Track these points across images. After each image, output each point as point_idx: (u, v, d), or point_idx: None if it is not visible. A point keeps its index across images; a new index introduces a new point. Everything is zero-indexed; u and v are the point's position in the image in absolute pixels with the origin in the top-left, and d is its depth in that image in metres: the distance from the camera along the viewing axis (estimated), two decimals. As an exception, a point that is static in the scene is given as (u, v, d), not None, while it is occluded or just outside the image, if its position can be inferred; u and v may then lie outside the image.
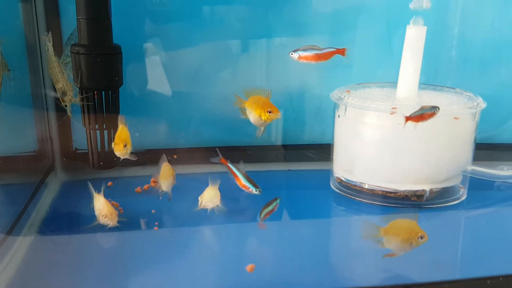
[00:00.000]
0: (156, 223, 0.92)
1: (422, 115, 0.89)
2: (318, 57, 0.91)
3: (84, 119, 0.98)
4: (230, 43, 1.21)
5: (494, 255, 0.86)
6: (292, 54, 0.91)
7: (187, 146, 1.25)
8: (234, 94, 0.96)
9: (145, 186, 1.08)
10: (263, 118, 0.91)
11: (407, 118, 0.88)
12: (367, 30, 1.21)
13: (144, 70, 1.18)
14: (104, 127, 0.98)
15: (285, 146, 1.28)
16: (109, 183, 1.08)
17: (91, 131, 0.98)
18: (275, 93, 1.02)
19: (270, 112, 0.91)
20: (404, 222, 0.72)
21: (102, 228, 0.89)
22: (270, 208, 0.92)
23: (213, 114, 1.24)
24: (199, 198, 0.94)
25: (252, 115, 0.93)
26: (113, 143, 0.88)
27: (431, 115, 0.89)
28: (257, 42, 1.21)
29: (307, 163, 1.26)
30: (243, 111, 0.95)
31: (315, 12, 1.20)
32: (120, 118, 0.90)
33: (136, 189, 1.07)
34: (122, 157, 0.89)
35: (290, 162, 1.27)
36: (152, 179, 1.10)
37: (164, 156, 0.96)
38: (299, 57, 0.91)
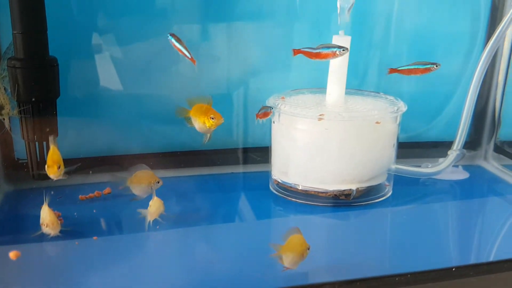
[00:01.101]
0: (95, 237, 0.94)
1: (415, 69, 1.01)
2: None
3: (23, 132, 1.00)
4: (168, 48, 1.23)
5: (413, 250, 0.93)
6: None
7: (135, 152, 1.27)
8: (177, 106, 1.00)
9: (96, 193, 1.11)
10: (207, 125, 0.96)
11: (391, 70, 1.01)
12: (303, 38, 1.27)
13: (88, 71, 1.18)
14: (42, 138, 1.00)
15: (228, 150, 1.32)
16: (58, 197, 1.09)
17: (29, 143, 1.00)
18: (218, 99, 1.07)
19: (213, 118, 0.95)
20: (294, 238, 0.78)
21: (45, 237, 0.91)
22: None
23: (156, 118, 1.27)
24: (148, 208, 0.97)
25: (197, 123, 0.97)
26: (46, 166, 0.89)
27: (425, 70, 1.02)
28: (196, 49, 1.25)
29: (250, 165, 1.32)
30: (188, 120, 1.00)
31: (252, 22, 1.25)
32: (51, 139, 0.92)
33: (80, 197, 1.10)
34: (55, 178, 0.91)
35: (233, 165, 1.32)
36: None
37: (144, 165, 0.99)
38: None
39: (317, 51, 0.99)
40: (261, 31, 1.26)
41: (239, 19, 1.24)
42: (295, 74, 1.29)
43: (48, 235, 0.91)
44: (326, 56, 0.99)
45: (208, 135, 1.00)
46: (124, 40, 1.19)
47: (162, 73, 1.24)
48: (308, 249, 0.78)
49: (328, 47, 0.98)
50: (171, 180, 1.24)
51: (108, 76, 1.20)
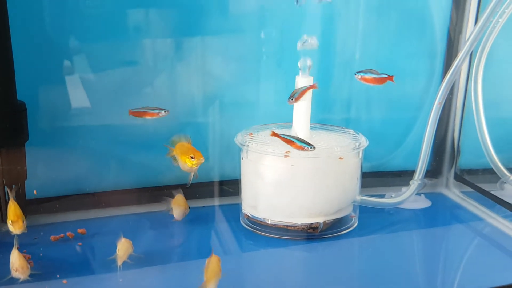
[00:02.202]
0: (65, 281, 0.94)
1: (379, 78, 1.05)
2: (375, 81, 1.04)
3: (-9, 177, 1.01)
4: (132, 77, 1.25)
5: (380, 282, 0.97)
6: (356, 75, 1.04)
7: (106, 189, 1.27)
8: (164, 145, 1.03)
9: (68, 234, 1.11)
10: (189, 165, 0.98)
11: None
12: (269, 76, 1.32)
13: (57, 105, 1.18)
14: (11, 182, 1.01)
15: (201, 184, 1.34)
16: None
17: (-2, 187, 1.01)
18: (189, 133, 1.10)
19: (193, 158, 0.98)
20: (211, 265, 0.84)
21: (15, 281, 0.91)
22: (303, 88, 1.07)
23: (127, 153, 1.28)
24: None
25: (180, 163, 1.00)
26: (10, 221, 0.90)
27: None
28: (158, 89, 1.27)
29: (222, 198, 1.33)
30: (175, 159, 1.02)
31: (222, 60, 1.29)
32: (11, 193, 0.93)
33: (51, 237, 1.09)
34: (19, 233, 0.91)
35: (207, 198, 1.33)
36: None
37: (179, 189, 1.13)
38: (362, 78, 1.04)
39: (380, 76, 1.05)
40: (229, 68, 1.30)
41: (210, 57, 1.28)
42: (262, 110, 1.33)
43: (18, 279, 0.91)
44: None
45: (192, 173, 1.02)
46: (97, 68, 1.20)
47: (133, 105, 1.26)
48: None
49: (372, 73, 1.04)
50: (142, 216, 1.24)
51: (78, 108, 1.21)
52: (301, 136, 1.13)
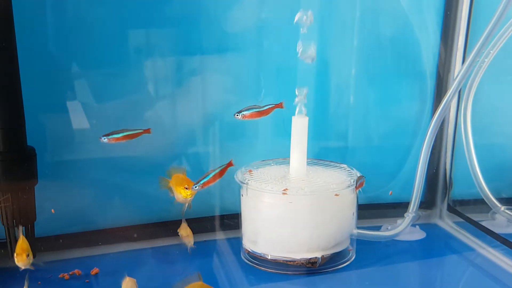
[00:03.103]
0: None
1: None
2: (260, 114, 1.06)
3: (3, 218, 1.05)
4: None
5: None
6: (237, 115, 1.05)
7: (112, 226, 1.30)
8: (159, 177, 1.06)
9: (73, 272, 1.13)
10: (183, 195, 1.02)
11: None
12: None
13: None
14: (21, 222, 1.05)
15: (201, 218, 1.38)
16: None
17: (9, 228, 1.05)
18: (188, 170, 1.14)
19: (187, 188, 1.02)
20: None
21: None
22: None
23: (135, 188, 1.32)
24: None
25: (175, 194, 1.03)
26: (15, 254, 0.92)
27: None
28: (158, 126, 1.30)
29: (223, 232, 1.36)
30: (171, 190, 1.06)
31: (222, 96, 1.34)
32: (19, 230, 0.99)
33: (60, 276, 1.12)
34: (23, 268, 0.93)
35: (208, 232, 1.36)
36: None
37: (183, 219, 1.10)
38: (243, 116, 1.05)
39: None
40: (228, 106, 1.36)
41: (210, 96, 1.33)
42: (261, 146, 1.38)
43: (28, 318, 0.94)
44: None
45: (186, 204, 1.05)
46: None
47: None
48: None
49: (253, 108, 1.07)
50: (144, 252, 1.27)
51: (82, 146, 1.25)
52: (299, 174, 1.18)
